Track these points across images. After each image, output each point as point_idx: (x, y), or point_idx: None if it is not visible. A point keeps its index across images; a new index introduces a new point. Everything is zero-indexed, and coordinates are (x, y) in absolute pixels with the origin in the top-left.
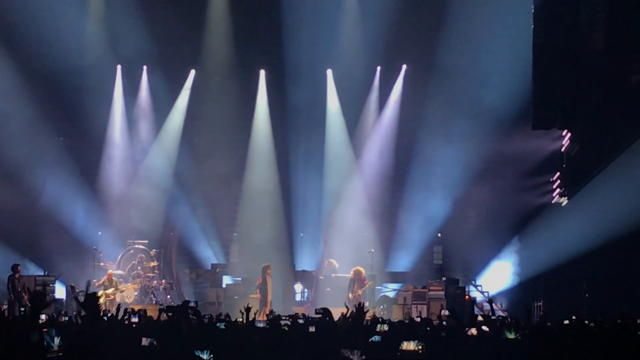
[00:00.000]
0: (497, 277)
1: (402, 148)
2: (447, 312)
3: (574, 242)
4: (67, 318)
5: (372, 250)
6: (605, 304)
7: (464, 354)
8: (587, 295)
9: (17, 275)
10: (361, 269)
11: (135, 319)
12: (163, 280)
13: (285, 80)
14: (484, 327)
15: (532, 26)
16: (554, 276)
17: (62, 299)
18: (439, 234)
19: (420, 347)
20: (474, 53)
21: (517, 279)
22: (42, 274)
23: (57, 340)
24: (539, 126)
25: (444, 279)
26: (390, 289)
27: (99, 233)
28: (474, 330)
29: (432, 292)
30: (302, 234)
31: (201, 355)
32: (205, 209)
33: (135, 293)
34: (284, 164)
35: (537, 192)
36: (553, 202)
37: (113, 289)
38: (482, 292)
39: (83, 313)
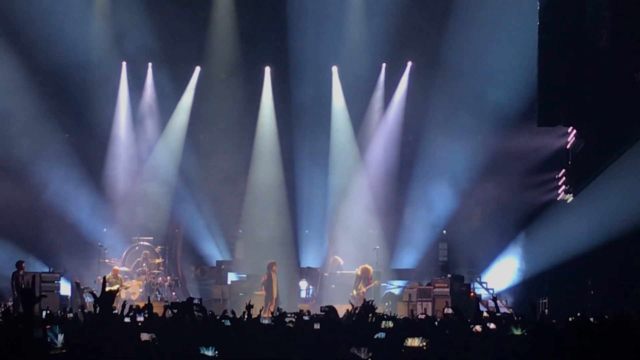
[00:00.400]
0: (502, 274)
1: (407, 145)
2: (449, 310)
3: (579, 239)
4: (71, 315)
5: (377, 247)
6: (610, 301)
7: (468, 350)
8: (592, 292)
9: (21, 272)
10: (369, 267)
11: (140, 318)
12: (168, 277)
13: (290, 77)
14: (490, 324)
15: (538, 23)
16: (559, 273)
17: (67, 296)
18: (444, 231)
19: (424, 344)
20: (479, 50)
21: (522, 276)
22: (47, 270)
23: (60, 337)
24: (544, 123)
25: (449, 276)
26: (395, 286)
27: (104, 230)
28: (478, 327)
29: (437, 289)
30: (307, 231)
31: (206, 352)
32: (210, 206)
33: (140, 290)
34: (289, 161)
35: (543, 189)
36: (558, 199)
37: (118, 285)
38: (487, 289)
39: (88, 310)
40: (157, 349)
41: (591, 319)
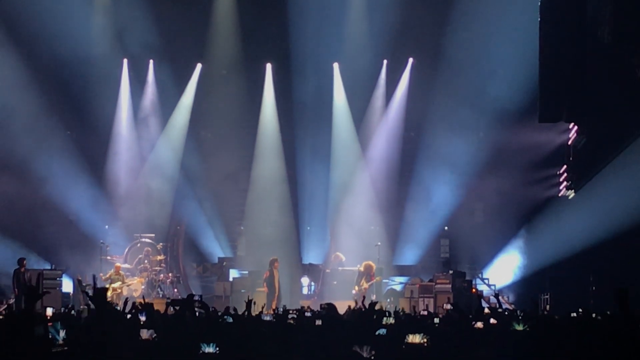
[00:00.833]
0: (504, 270)
1: (409, 141)
2: (449, 306)
3: (580, 235)
4: (74, 312)
5: (379, 243)
6: (612, 297)
7: (470, 346)
8: (594, 288)
9: (22, 270)
10: (372, 263)
11: (143, 318)
12: (170, 274)
13: (291, 73)
14: (492, 320)
15: (539, 19)
16: (560, 269)
17: (68, 293)
18: (446, 227)
19: (425, 340)
20: (481, 46)
21: (524, 272)
22: (49, 267)
23: (62, 334)
24: (546, 119)
25: (450, 272)
26: (397, 282)
27: (106, 227)
28: (480, 324)
29: (439, 286)
30: (309, 228)
31: (207, 349)
32: (212, 203)
33: (142, 287)
34: (290, 158)
35: (544, 185)
36: (560, 195)
37: (120, 282)
38: (489, 286)
39: (91, 307)
40: (158, 346)
41: (593, 315)
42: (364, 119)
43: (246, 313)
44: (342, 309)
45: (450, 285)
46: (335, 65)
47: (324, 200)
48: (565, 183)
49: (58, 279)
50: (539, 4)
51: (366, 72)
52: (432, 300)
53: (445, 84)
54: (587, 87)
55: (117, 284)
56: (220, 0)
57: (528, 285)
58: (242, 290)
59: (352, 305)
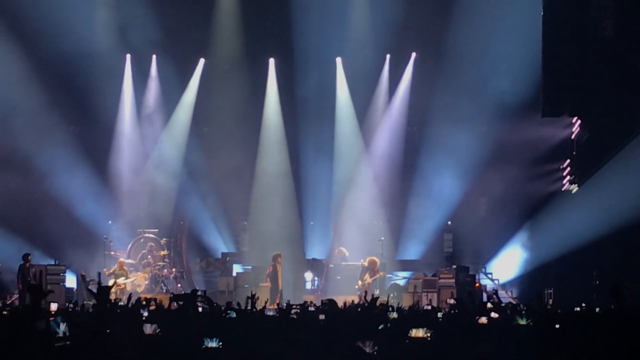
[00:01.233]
0: (508, 264)
1: (412, 136)
2: (452, 301)
3: (584, 230)
4: (77, 308)
5: (383, 238)
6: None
7: (473, 341)
8: (597, 282)
9: (27, 265)
10: (376, 258)
11: (145, 313)
12: (173, 269)
13: (294, 69)
14: (493, 314)
15: (542, 13)
16: (563, 264)
17: (72, 288)
18: (449, 222)
19: (429, 334)
20: (484, 40)
21: (527, 266)
22: (52, 263)
23: (62, 327)
24: (549, 113)
25: (454, 266)
26: (400, 277)
27: (109, 222)
28: (484, 319)
29: (442, 280)
30: (312, 223)
31: (210, 344)
32: (215, 198)
33: (146, 282)
34: (294, 153)
35: (547, 179)
36: (563, 189)
37: (124, 277)
38: (492, 280)
39: (94, 303)
40: (162, 340)
41: (597, 309)
42: (366, 113)
43: (249, 308)
44: (345, 304)
45: (453, 280)
46: (338, 60)
47: (327, 196)
48: (568, 177)
49: (61, 274)
50: None
51: (369, 67)
52: (435, 295)
53: (448, 78)
54: (590, 81)
55: (120, 279)
56: None
57: (531, 280)
58: (246, 286)
59: (356, 300)
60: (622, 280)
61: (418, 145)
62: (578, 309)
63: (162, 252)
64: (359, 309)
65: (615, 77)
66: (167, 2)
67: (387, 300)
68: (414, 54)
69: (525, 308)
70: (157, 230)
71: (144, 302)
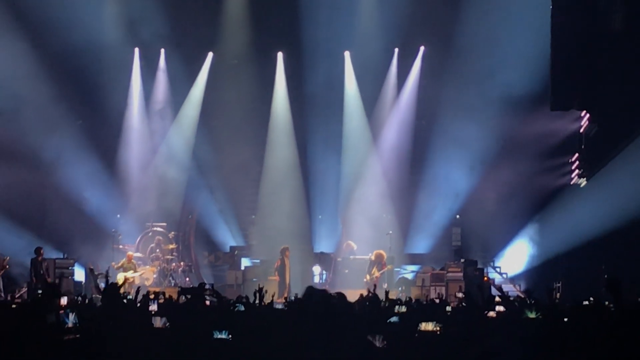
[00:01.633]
0: (516, 258)
1: (420, 129)
2: (460, 295)
3: (592, 223)
4: (86, 301)
5: (391, 232)
6: (624, 285)
7: (482, 334)
8: (606, 276)
9: (39, 258)
10: (383, 252)
11: (154, 307)
12: (182, 263)
13: (302, 62)
14: (499, 308)
15: (551, 6)
16: (572, 257)
17: (81, 281)
18: (458, 216)
19: (438, 328)
20: (492, 34)
21: (536, 260)
22: (61, 256)
23: (71, 317)
24: (558, 107)
25: (462, 260)
26: (408, 271)
27: (118, 216)
28: (493, 313)
29: (450, 274)
30: (320, 216)
31: (219, 336)
32: (223, 192)
33: (154, 275)
34: (302, 146)
35: (556, 173)
36: (572, 183)
37: (132, 271)
38: (500, 274)
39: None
40: (170, 333)
41: (606, 303)
42: (375, 107)
43: (257, 301)
44: (353, 297)
45: (462, 274)
46: (347, 54)
47: (335, 189)
48: (577, 171)
49: (70, 268)
50: None
51: (377, 61)
52: (443, 288)
53: (456, 72)
54: (599, 75)
55: (129, 273)
56: None
57: (540, 274)
58: (254, 279)
59: (364, 293)
60: (631, 275)
61: (426, 138)
62: (586, 302)
63: (171, 246)
64: (368, 303)
65: (624, 70)
66: None
67: (403, 297)
68: (422, 47)
69: (533, 301)
70: (165, 223)
71: (152, 296)
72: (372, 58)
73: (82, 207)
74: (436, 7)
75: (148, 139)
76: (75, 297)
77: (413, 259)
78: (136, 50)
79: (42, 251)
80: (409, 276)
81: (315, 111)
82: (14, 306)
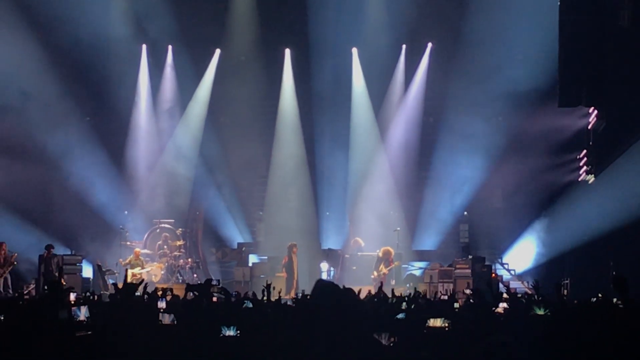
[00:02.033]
0: (524, 255)
1: (428, 126)
2: (468, 291)
3: (600, 220)
4: (94, 297)
5: (399, 228)
6: (633, 282)
7: (491, 330)
8: (614, 273)
9: (47, 255)
10: (391, 249)
11: (162, 304)
12: (189, 259)
13: (310, 59)
14: (504, 304)
15: (559, 3)
16: (580, 254)
17: (88, 278)
18: (465, 212)
19: (447, 324)
20: (500, 30)
21: (544, 257)
22: (69, 253)
23: (83, 310)
24: (566, 103)
25: (470, 257)
26: (416, 268)
27: (126, 212)
28: (500, 309)
29: (458, 271)
30: (328, 213)
31: (227, 332)
32: (231, 189)
33: (162, 272)
34: (309, 142)
35: (564, 169)
36: (580, 179)
37: (140, 267)
38: (508, 270)
39: (111, 292)
40: (178, 330)
41: (614, 299)
42: (382, 104)
43: (265, 298)
44: (361, 294)
45: (469, 271)
46: (354, 51)
47: (343, 186)
48: (585, 168)
49: (78, 264)
50: None
51: (385, 57)
52: (451, 285)
53: (464, 68)
54: (606, 71)
55: (136, 269)
56: None
57: (548, 271)
58: (261, 276)
59: (372, 290)
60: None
61: (434, 135)
62: (594, 299)
63: (178, 243)
64: (376, 299)
65: (632, 66)
66: None
67: (411, 293)
68: (430, 44)
69: (541, 298)
70: (173, 220)
71: (160, 293)
72: (380, 55)
73: (90, 203)
74: (443, 4)
75: (156, 135)
76: (84, 294)
77: (421, 255)
78: (144, 47)
79: (52, 249)
80: (417, 273)
81: (322, 108)
82: (21, 303)
